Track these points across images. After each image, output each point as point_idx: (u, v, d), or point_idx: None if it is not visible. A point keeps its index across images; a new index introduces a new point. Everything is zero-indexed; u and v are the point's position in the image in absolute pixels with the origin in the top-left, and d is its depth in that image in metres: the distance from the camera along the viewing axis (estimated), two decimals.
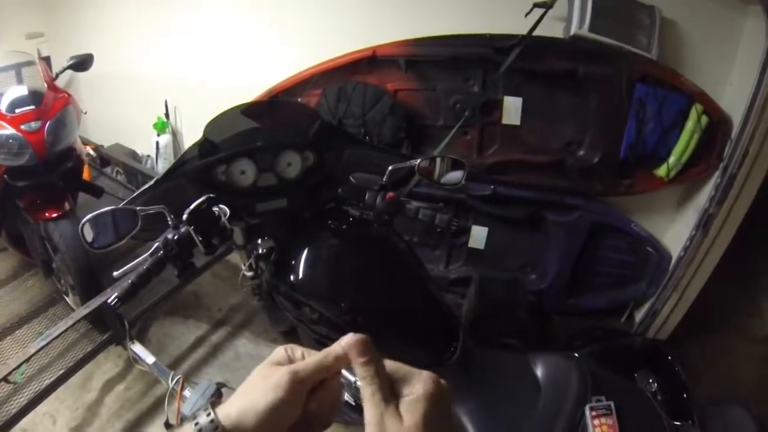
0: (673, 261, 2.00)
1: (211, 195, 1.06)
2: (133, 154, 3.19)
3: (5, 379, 1.56)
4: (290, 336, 2.10)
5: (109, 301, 1.01)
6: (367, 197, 1.19)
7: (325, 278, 1.13)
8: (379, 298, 1.12)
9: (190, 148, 1.22)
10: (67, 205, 1.92)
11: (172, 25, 2.75)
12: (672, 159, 1.84)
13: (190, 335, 2.15)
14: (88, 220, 0.98)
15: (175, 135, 3.05)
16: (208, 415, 0.41)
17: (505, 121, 1.98)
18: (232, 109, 1.33)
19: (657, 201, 2.05)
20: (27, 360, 1.61)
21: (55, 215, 1.87)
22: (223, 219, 1.06)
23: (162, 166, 3.02)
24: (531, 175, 1.99)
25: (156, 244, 1.02)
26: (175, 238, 1.01)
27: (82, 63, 2.08)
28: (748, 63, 1.68)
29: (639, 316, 2.16)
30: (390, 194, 1.18)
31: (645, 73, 1.79)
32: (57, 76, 2.06)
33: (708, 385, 1.85)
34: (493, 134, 2.01)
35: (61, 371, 1.77)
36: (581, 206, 2.01)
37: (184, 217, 1.01)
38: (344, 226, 1.20)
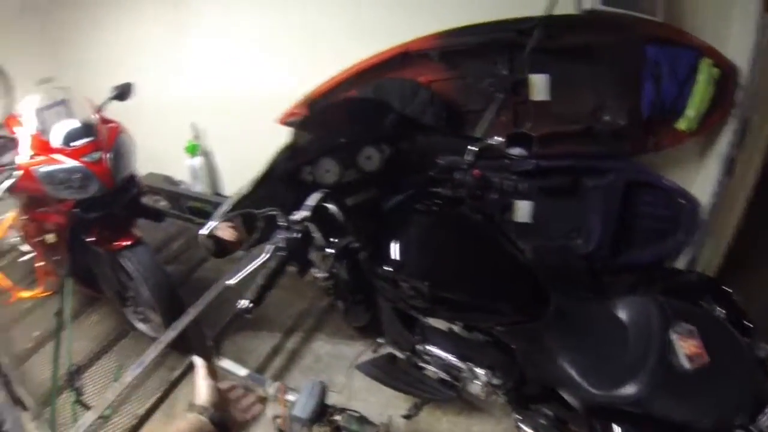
0: (706, 208, 2.15)
1: (328, 190, 1.14)
2: (171, 180, 3.24)
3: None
4: (367, 330, 2.10)
5: (240, 306, 0.95)
6: (457, 176, 1.30)
7: (430, 255, 1.22)
8: (480, 269, 1.23)
9: (280, 151, 1.30)
10: (137, 232, 1.97)
11: (187, 48, 2.86)
12: (690, 111, 1.99)
13: (266, 346, 2.14)
14: (209, 231, 1.07)
15: (206, 156, 3.11)
16: None
17: (534, 97, 2.12)
18: (316, 112, 1.44)
19: (680, 155, 2.20)
20: (124, 389, 1.58)
21: (126, 243, 1.91)
22: (338, 214, 1.13)
23: (201, 189, 3.08)
24: (565, 145, 2.12)
25: (269, 247, 1.05)
26: (297, 236, 1.06)
27: (123, 93, 2.13)
28: (745, 15, 1.85)
29: (681, 265, 2.29)
30: (476, 171, 1.31)
31: (653, 35, 1.94)
32: (101, 108, 2.10)
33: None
34: (526, 112, 2.15)
35: (152, 400, 1.74)
36: (614, 167, 2.14)
37: (305, 214, 1.07)
38: (434, 207, 1.30)
